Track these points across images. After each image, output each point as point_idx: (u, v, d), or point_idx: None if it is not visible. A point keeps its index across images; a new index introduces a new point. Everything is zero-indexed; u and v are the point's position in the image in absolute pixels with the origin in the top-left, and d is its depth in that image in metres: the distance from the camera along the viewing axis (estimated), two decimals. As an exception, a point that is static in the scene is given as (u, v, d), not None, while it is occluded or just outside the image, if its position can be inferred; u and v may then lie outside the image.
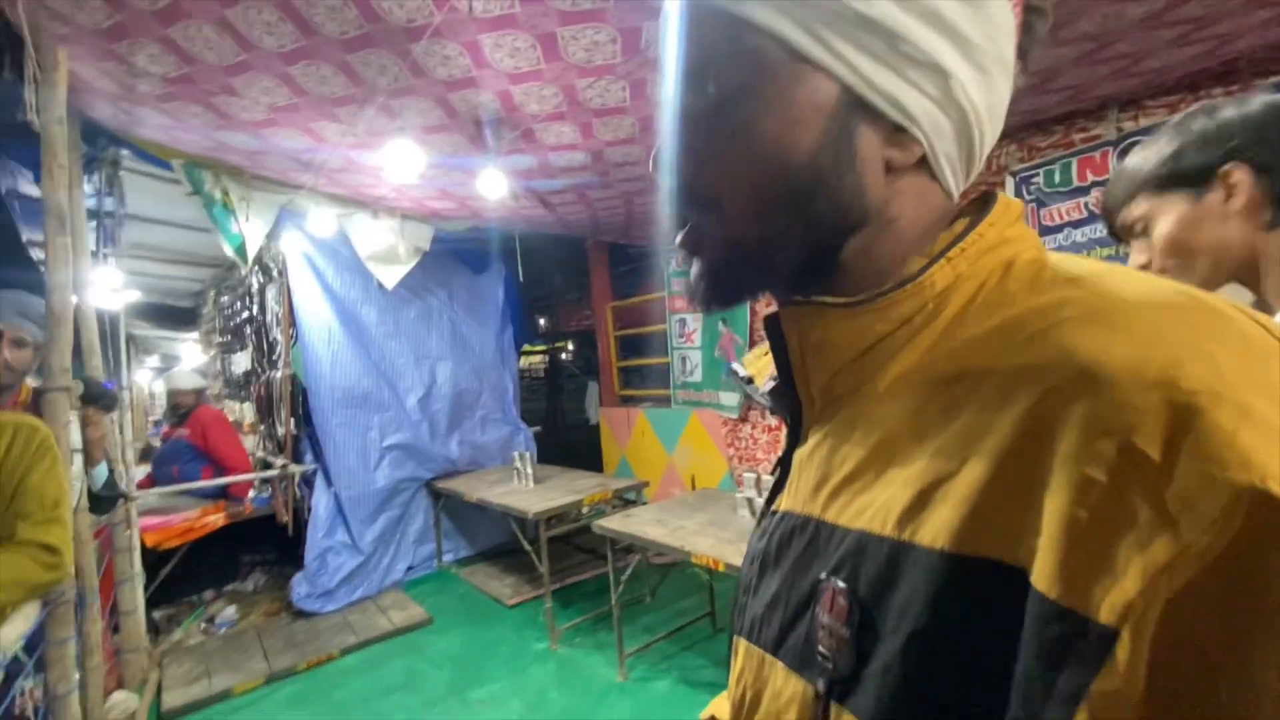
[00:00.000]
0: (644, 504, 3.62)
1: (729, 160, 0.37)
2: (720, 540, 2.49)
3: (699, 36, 0.37)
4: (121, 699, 2.77)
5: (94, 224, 3.24)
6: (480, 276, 4.97)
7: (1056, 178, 2.80)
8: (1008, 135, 2.94)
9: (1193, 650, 0.22)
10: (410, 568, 4.30)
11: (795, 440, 0.43)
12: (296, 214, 3.52)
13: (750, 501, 2.74)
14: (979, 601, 0.27)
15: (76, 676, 1.84)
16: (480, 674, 3.03)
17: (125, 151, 2.89)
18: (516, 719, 2.63)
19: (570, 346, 8.46)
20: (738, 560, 2.29)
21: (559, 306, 8.07)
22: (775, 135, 0.35)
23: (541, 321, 8.21)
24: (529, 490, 3.78)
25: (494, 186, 2.89)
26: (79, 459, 2.25)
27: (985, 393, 0.30)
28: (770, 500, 0.45)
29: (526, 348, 8.36)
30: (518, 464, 3.97)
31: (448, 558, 4.53)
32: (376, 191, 3.39)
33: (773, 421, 4.02)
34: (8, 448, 1.35)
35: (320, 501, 3.87)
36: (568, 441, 6.63)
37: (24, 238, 4.23)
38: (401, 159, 2.61)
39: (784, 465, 0.44)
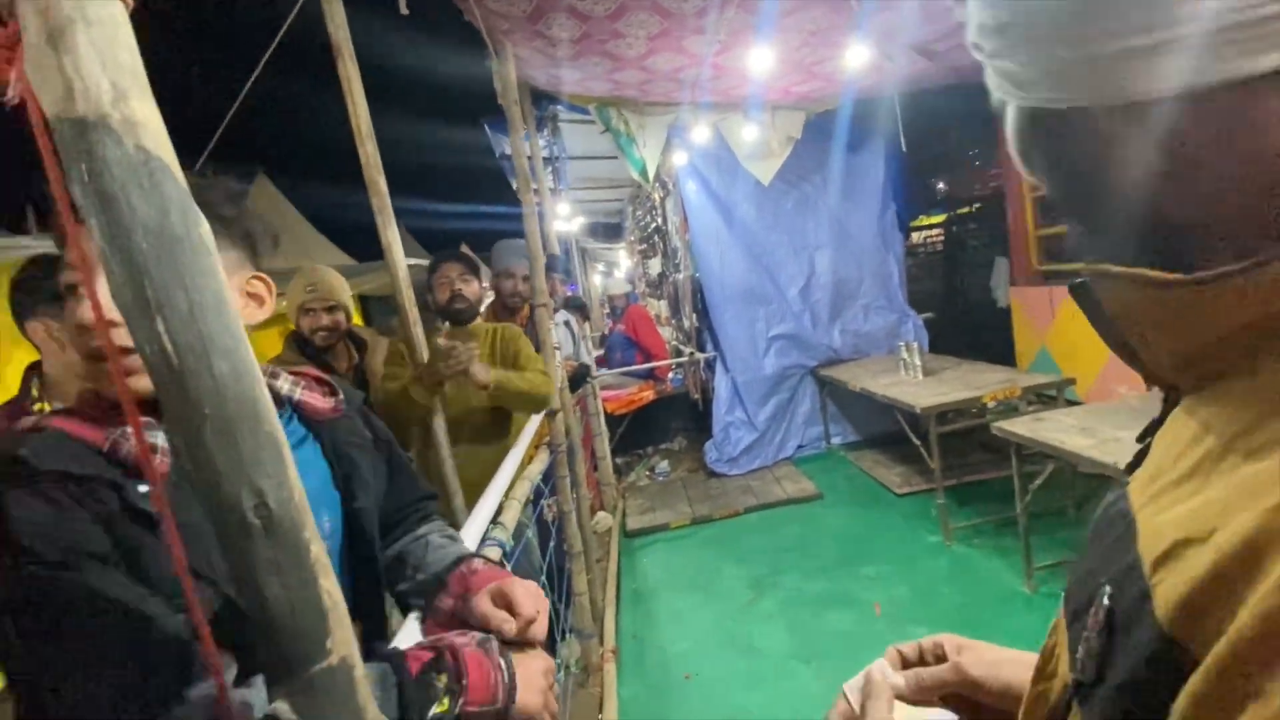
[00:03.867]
0: (1074, 404, 3.04)
1: None
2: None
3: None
4: (603, 517, 3.90)
5: (549, 169, 4.23)
6: (856, 155, 4.62)
7: None
8: None
9: None
10: (800, 446, 4.65)
11: (1168, 409, 0.36)
12: (681, 129, 3.87)
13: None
14: (1171, 686, 0.25)
15: (574, 499, 2.66)
16: (868, 552, 3.16)
17: (559, 106, 3.62)
18: (905, 602, 2.68)
19: (974, 213, 7.23)
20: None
21: (957, 169, 6.92)
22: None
23: (940, 187, 7.21)
24: (917, 382, 3.57)
25: (863, 52, 2.60)
26: (558, 354, 3.12)
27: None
28: (1131, 468, 0.38)
29: (922, 220, 7.51)
30: (904, 354, 3.77)
31: (835, 440, 4.72)
32: (745, 91, 3.44)
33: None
34: (500, 339, 2.14)
35: (720, 383, 4.47)
36: (970, 328, 5.88)
37: (514, 186, 5.82)
38: (764, 51, 2.57)
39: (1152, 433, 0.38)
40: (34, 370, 1.16)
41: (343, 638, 0.53)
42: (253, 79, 2.13)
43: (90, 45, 0.43)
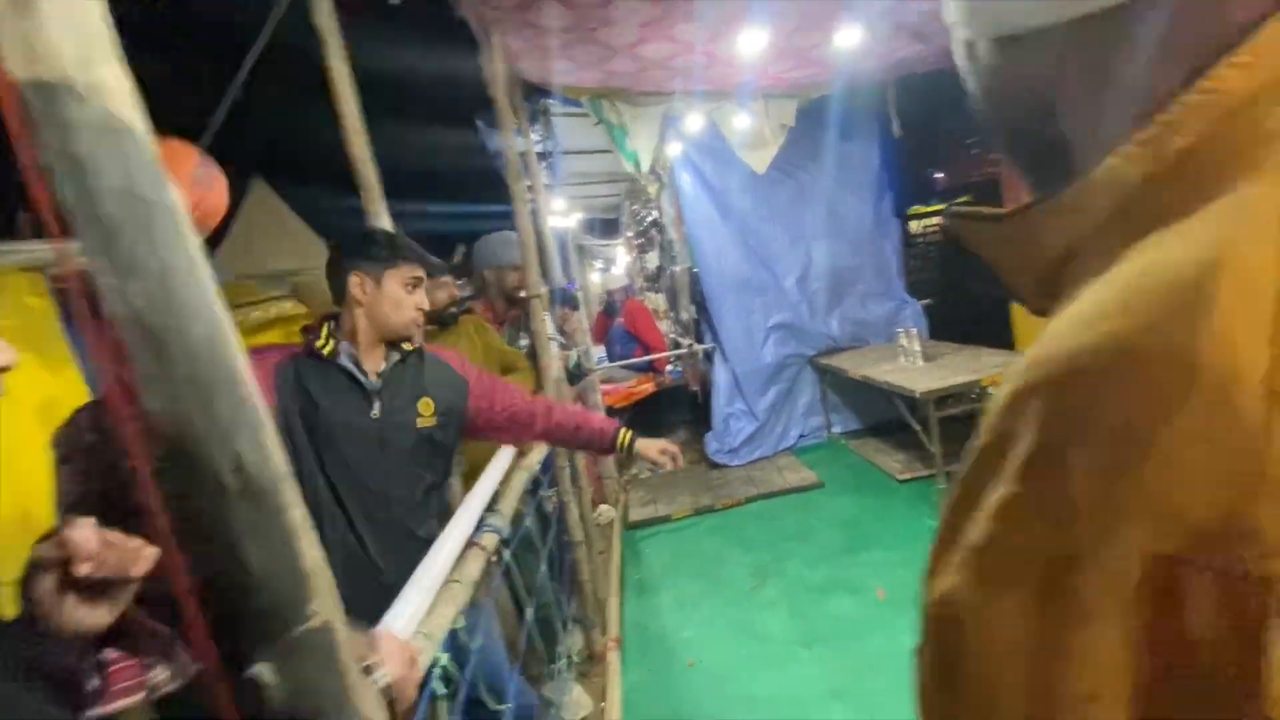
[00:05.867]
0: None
1: None
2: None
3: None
4: (605, 509, 3.89)
5: (544, 164, 4.21)
6: (851, 143, 4.58)
7: None
8: None
9: None
10: (801, 435, 4.64)
11: None
12: (674, 120, 3.86)
13: None
14: None
15: (574, 491, 2.66)
16: (870, 539, 3.15)
17: (551, 100, 3.60)
18: (907, 586, 2.68)
19: (970, 201, 7.22)
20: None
21: (955, 157, 6.91)
22: None
23: (938, 177, 7.20)
24: (917, 368, 3.57)
25: (854, 33, 2.59)
26: (554, 345, 3.11)
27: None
28: None
29: (918, 209, 7.50)
30: (903, 341, 3.77)
31: (836, 429, 4.71)
32: (737, 78, 3.43)
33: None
34: (479, 333, 2.30)
35: (720, 375, 4.46)
36: (972, 315, 5.86)
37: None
38: (755, 35, 2.56)
39: None
40: (330, 318, 1.41)
41: (326, 601, 0.53)
42: (241, 79, 2.13)
43: (52, 10, 0.43)
